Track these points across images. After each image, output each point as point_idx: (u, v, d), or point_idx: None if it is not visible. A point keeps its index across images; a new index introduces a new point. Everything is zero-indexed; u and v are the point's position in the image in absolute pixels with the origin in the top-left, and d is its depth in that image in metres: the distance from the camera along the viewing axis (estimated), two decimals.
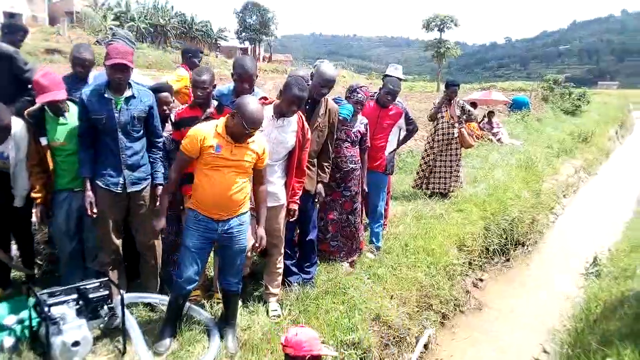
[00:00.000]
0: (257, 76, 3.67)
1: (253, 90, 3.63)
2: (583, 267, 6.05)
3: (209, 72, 3.58)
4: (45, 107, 3.25)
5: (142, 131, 3.36)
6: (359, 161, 4.57)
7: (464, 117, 7.30)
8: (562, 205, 10.00)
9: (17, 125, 3.32)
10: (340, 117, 4.20)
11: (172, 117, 3.73)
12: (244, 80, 3.56)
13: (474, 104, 13.66)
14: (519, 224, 7.22)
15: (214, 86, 3.63)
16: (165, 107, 3.67)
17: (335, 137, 4.17)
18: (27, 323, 3.05)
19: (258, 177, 3.26)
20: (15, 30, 4.17)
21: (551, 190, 9.69)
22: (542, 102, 23.88)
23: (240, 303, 3.61)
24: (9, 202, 3.47)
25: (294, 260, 4.19)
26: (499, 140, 12.77)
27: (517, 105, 18.78)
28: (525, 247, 7.33)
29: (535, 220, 7.87)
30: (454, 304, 5.19)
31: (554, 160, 12.10)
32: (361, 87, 4.63)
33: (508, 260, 6.82)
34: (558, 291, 5.66)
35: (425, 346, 4.49)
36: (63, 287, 3.09)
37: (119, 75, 3.14)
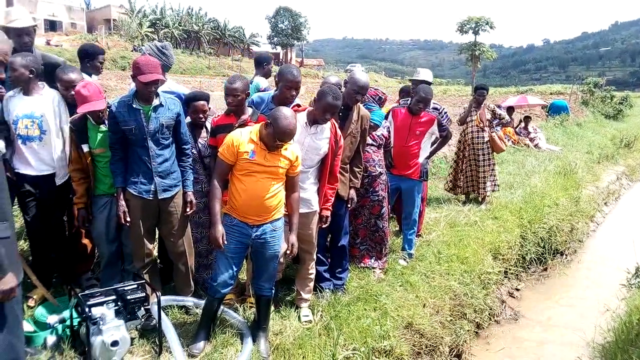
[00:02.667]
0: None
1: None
2: (624, 277, 5.82)
3: (241, 80, 3.64)
4: (88, 116, 3.37)
5: (171, 139, 3.43)
6: (384, 165, 4.64)
7: (496, 121, 7.25)
8: (603, 213, 9.67)
9: (52, 92, 3.52)
10: (371, 123, 4.22)
11: (208, 124, 3.82)
12: (291, 88, 3.62)
13: (511, 109, 13.46)
14: (557, 232, 7.04)
15: (247, 94, 3.69)
16: (201, 115, 3.75)
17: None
18: (68, 323, 3.17)
19: (291, 184, 3.29)
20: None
21: (591, 197, 9.40)
22: (582, 106, 23.19)
23: (272, 308, 3.64)
24: (45, 211, 3.63)
25: (326, 266, 4.21)
26: (536, 145, 12.49)
27: (555, 110, 18.32)
28: (564, 256, 7.12)
29: (574, 228, 7.65)
30: (489, 314, 5.09)
31: (595, 167, 11.74)
32: (376, 89, 4.73)
33: (546, 269, 6.65)
34: (598, 302, 5.47)
35: (459, 356, 4.42)
36: (102, 289, 3.19)
37: (151, 89, 3.22)
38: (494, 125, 7.26)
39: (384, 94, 4.73)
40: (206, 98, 3.80)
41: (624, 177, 12.42)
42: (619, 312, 4.85)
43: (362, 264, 4.67)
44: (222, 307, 3.50)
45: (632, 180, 12.77)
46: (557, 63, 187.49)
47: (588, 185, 9.94)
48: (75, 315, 3.13)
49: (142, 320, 3.24)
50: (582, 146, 13.39)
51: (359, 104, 4.04)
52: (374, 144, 4.51)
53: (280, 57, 66.51)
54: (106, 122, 3.43)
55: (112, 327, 2.96)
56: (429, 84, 5.46)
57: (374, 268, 4.66)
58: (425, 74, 5.62)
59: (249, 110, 3.73)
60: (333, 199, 3.81)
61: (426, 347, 4.00)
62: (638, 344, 3.95)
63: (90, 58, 4.18)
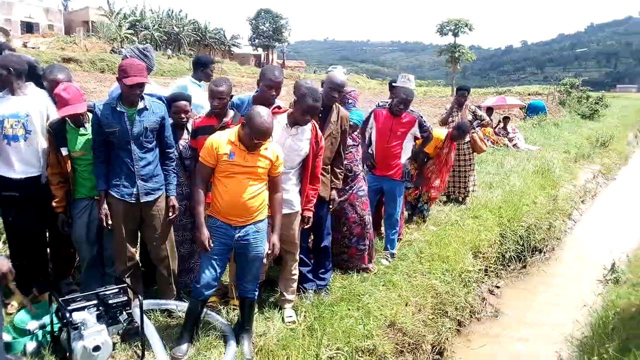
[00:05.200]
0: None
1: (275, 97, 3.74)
2: (601, 273, 5.97)
3: (226, 83, 3.66)
4: (67, 118, 3.34)
5: (154, 142, 3.43)
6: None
7: (476, 122, 7.34)
8: (580, 211, 9.88)
9: (38, 92, 3.49)
10: (351, 123, 4.26)
11: (189, 125, 3.82)
12: (272, 88, 3.65)
13: (490, 110, 13.67)
14: (536, 230, 7.16)
15: (231, 96, 3.70)
16: (183, 115, 3.74)
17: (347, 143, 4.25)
18: (48, 328, 3.13)
19: (273, 184, 3.30)
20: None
21: (569, 195, 9.59)
22: (559, 106, 23.65)
23: (256, 309, 3.65)
24: (27, 215, 3.56)
25: (309, 267, 4.23)
26: (514, 145, 12.70)
27: (533, 110, 18.66)
28: (542, 254, 7.26)
29: (552, 226, 7.79)
30: (470, 311, 5.17)
31: (572, 166, 11.98)
32: (350, 92, 4.71)
33: (525, 267, 6.77)
34: (575, 298, 5.58)
35: (441, 353, 4.48)
36: (83, 293, 3.16)
37: (135, 92, 3.22)
38: (475, 126, 7.35)
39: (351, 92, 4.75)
40: (188, 99, 3.80)
41: (600, 175, 12.70)
42: (596, 307, 4.97)
43: (364, 265, 4.68)
44: (205, 309, 3.49)
45: (608, 179, 13.07)
46: (534, 64, 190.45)
47: (565, 183, 10.14)
48: (55, 320, 3.09)
49: (125, 324, 3.22)
50: (559, 146, 13.65)
51: (338, 105, 4.07)
52: (355, 144, 4.56)
53: (262, 59, 66.33)
54: (86, 125, 3.40)
55: (94, 332, 2.93)
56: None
57: (368, 269, 4.69)
58: (408, 82, 5.65)
59: (231, 113, 3.74)
60: (315, 199, 3.84)
61: (409, 346, 4.05)
62: (614, 338, 4.05)
63: (203, 66, 4.60)
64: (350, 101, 4.63)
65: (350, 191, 4.56)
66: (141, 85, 3.23)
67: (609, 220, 9.42)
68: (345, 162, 4.38)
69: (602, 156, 14.50)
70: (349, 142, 4.46)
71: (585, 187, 11.08)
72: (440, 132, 6.37)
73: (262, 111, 3.05)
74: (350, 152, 4.49)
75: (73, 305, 2.98)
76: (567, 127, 18.01)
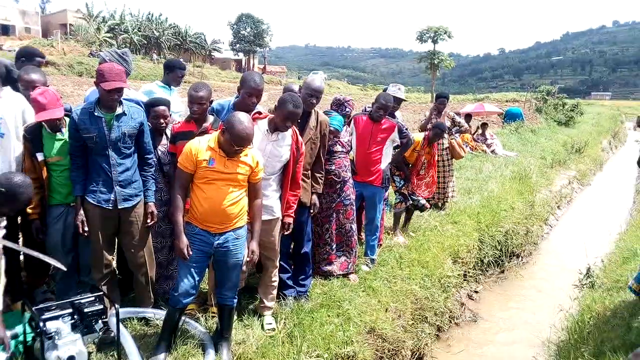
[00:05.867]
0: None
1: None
2: (577, 278, 6.08)
3: (206, 88, 3.64)
4: (43, 123, 3.27)
5: (132, 148, 3.37)
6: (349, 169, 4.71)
7: (455, 128, 7.44)
8: (556, 216, 10.06)
9: (14, 95, 3.39)
10: (331, 128, 4.27)
11: (168, 131, 3.78)
12: (252, 95, 3.61)
13: (468, 116, 13.85)
14: (513, 236, 7.28)
15: (211, 101, 3.68)
16: (162, 121, 3.70)
17: (327, 148, 4.27)
18: (21, 338, 3.04)
19: (253, 190, 3.28)
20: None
21: (545, 201, 9.76)
22: (536, 113, 24.07)
23: (235, 317, 3.61)
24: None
25: (289, 274, 4.21)
26: (492, 151, 12.88)
27: (510, 117, 18.94)
28: (520, 259, 7.37)
29: (529, 231, 7.92)
30: (449, 316, 5.22)
31: (548, 171, 12.20)
32: (348, 100, 4.81)
33: (502, 272, 6.86)
34: (552, 302, 5.68)
35: (421, 359, 4.51)
36: (58, 302, 3.08)
37: (114, 97, 3.17)
38: (453, 133, 7.45)
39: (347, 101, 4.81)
40: (166, 103, 3.76)
41: (575, 181, 12.97)
42: (572, 311, 5.06)
43: (341, 272, 4.67)
44: (183, 317, 3.44)
45: (583, 184, 13.36)
46: (512, 71, 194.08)
47: (542, 189, 10.32)
48: (28, 330, 3.01)
49: (100, 333, 3.15)
50: (536, 152, 13.89)
51: (316, 110, 4.08)
52: (343, 150, 4.58)
53: (243, 63, 66.19)
54: (63, 130, 3.34)
55: (68, 342, 2.85)
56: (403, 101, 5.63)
57: (348, 275, 4.70)
58: (398, 91, 5.67)
59: (210, 118, 3.71)
60: (295, 205, 3.83)
61: (389, 352, 4.06)
62: (590, 342, 4.12)
63: (171, 70, 4.61)
64: (347, 110, 4.73)
65: (339, 199, 4.57)
66: (120, 90, 3.18)
67: (584, 225, 9.61)
68: (333, 167, 4.43)
69: (577, 162, 14.80)
70: (338, 148, 4.48)
71: (561, 192, 11.30)
72: (419, 136, 6.43)
73: (242, 117, 3.03)
74: (339, 158, 4.51)
75: (47, 314, 2.90)
76: (544, 133, 18.34)
